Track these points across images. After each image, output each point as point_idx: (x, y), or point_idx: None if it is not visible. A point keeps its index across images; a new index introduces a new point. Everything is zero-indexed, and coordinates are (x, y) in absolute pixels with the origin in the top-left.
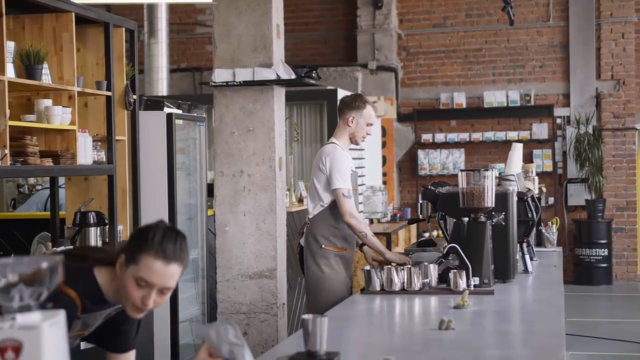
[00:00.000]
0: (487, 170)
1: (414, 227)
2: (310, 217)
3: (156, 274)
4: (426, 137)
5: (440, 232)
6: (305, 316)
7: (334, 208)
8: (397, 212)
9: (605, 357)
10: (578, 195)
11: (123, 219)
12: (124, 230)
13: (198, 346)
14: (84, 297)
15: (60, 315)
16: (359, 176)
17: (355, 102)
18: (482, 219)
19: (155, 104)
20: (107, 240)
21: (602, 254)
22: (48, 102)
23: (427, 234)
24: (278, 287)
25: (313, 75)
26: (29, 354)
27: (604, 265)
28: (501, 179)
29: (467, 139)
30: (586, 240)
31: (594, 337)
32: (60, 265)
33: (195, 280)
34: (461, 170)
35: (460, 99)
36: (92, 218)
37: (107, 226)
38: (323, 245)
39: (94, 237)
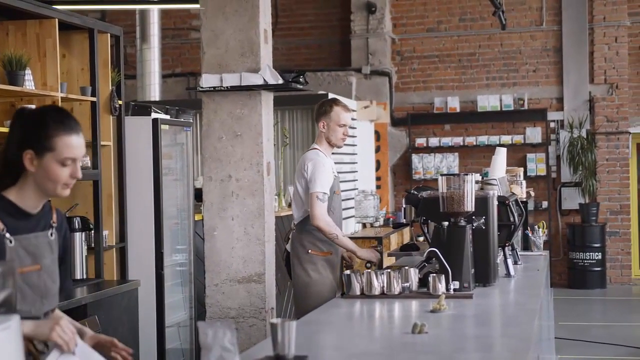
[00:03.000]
0: (467, 174)
1: (407, 231)
2: (295, 222)
3: (75, 148)
4: (420, 141)
5: (424, 236)
6: (274, 320)
7: None
8: (391, 217)
9: None
10: (572, 199)
11: (108, 224)
12: (109, 236)
13: (185, 351)
14: (2, 215)
15: (13, 321)
16: (343, 181)
17: (322, 107)
18: (462, 223)
19: (143, 109)
20: (92, 245)
21: (596, 258)
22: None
23: (421, 238)
24: (267, 292)
25: (300, 80)
26: None
27: (598, 269)
28: (483, 183)
29: (461, 143)
30: (580, 244)
31: (585, 341)
32: (13, 271)
33: (183, 285)
34: (441, 175)
35: (454, 104)
36: (77, 223)
37: (92, 231)
38: (310, 251)
39: (79, 242)
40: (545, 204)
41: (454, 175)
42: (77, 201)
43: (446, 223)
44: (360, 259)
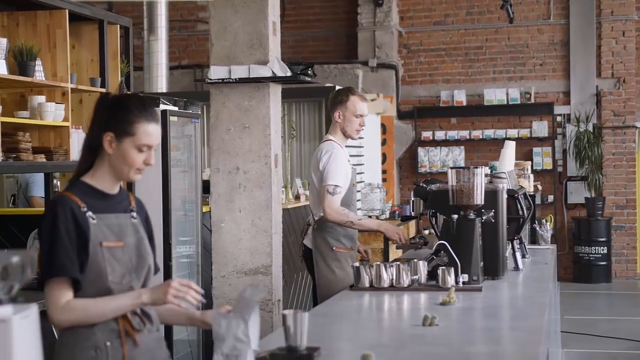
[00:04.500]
0: (477, 168)
1: (413, 224)
2: (316, 218)
3: (153, 136)
4: (426, 134)
5: (432, 229)
6: (286, 312)
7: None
8: (397, 210)
9: (602, 355)
10: (578, 193)
11: None
12: None
13: (193, 342)
14: (81, 196)
15: (32, 310)
16: (358, 173)
17: (338, 96)
18: (472, 216)
19: (151, 100)
20: None
21: (602, 252)
22: (41, 98)
23: (427, 232)
24: (273, 284)
25: (309, 72)
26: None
27: (604, 263)
28: (492, 176)
29: (467, 137)
30: (585, 238)
31: (591, 335)
32: (32, 260)
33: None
34: (451, 168)
35: (461, 97)
36: None
37: None
38: (334, 248)
39: None
40: (551, 197)
41: (463, 168)
42: None
43: (455, 216)
44: (388, 237)
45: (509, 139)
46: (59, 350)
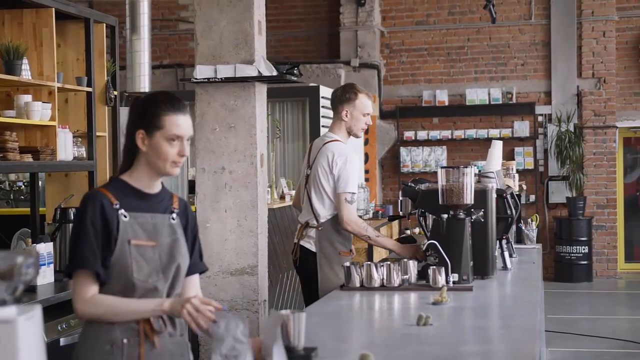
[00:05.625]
0: (467, 167)
1: (395, 224)
2: (321, 220)
3: (182, 127)
4: (408, 134)
5: (421, 228)
6: (284, 312)
7: None
8: (379, 209)
9: (585, 354)
10: (559, 193)
11: None
12: None
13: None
14: (116, 193)
15: (36, 311)
16: None
17: (346, 94)
18: (461, 215)
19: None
20: None
21: (583, 251)
22: (28, 97)
23: (408, 231)
24: (259, 284)
25: (294, 72)
26: (5, 348)
27: (584, 262)
28: (481, 176)
29: (449, 137)
30: (567, 238)
31: (573, 334)
32: (35, 261)
33: None
34: (441, 167)
35: (443, 97)
36: (72, 214)
37: None
38: (341, 252)
39: None
40: (532, 197)
41: (453, 167)
42: (72, 192)
43: (445, 216)
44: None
45: (491, 139)
46: (79, 342)
